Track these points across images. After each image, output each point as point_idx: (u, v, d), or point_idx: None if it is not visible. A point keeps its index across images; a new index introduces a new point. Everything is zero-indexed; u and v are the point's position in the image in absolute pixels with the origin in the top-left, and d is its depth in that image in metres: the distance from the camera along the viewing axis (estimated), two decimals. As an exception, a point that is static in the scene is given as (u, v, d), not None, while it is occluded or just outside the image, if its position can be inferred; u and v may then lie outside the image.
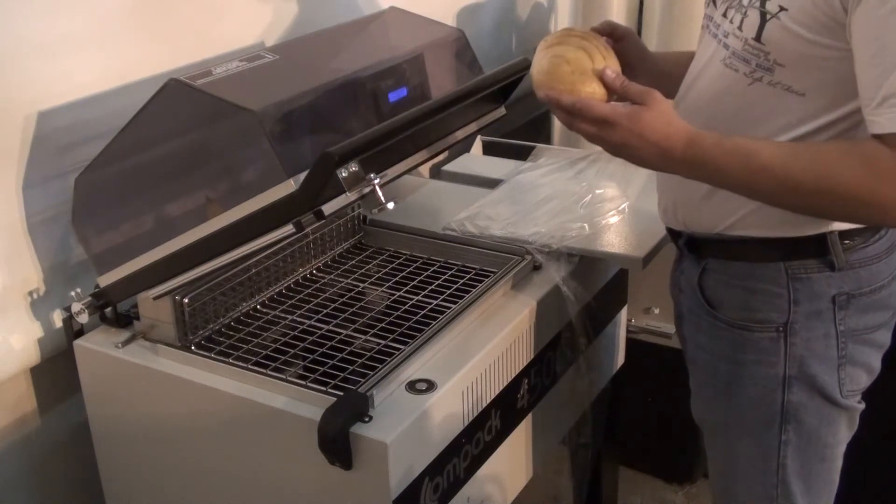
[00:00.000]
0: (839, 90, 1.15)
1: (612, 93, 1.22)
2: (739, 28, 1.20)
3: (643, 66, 1.41)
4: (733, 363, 1.32)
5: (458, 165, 2.18)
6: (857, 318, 1.27)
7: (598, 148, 1.79)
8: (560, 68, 1.23)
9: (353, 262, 1.74)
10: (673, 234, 1.43)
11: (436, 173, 2.25)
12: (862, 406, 1.36)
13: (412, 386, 1.34)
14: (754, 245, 1.26)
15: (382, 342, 1.46)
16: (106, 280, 1.44)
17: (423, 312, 1.53)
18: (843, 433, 1.35)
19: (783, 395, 1.29)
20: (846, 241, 1.23)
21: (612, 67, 1.24)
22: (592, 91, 1.22)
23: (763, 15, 1.16)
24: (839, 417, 1.33)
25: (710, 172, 1.16)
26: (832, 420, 1.32)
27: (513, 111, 1.75)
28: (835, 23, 1.11)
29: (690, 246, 1.37)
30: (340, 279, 1.68)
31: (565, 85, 1.22)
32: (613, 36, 1.37)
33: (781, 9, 1.14)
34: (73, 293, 1.46)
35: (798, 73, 1.17)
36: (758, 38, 1.17)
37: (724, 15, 1.25)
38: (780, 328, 1.27)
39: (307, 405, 1.30)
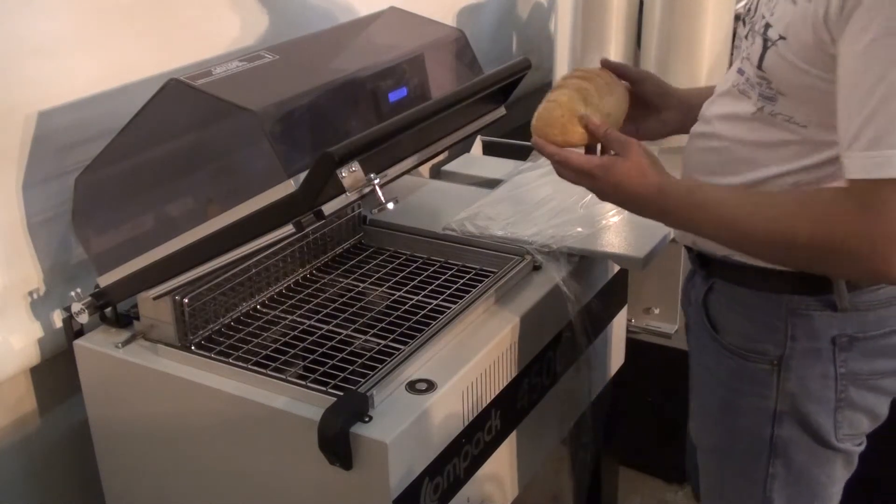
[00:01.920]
0: None
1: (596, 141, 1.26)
2: (750, 54, 1.17)
3: (668, 102, 1.40)
4: (730, 390, 1.29)
5: (458, 165, 2.18)
6: (863, 363, 1.21)
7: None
8: (552, 113, 1.26)
9: (353, 262, 1.74)
10: (687, 248, 1.39)
11: (436, 173, 2.25)
12: (861, 448, 1.29)
13: (412, 386, 1.34)
14: (757, 274, 1.21)
15: (382, 342, 1.46)
16: (106, 280, 1.44)
17: (423, 312, 1.53)
18: (838, 472, 1.30)
19: (772, 430, 1.25)
20: (851, 282, 1.17)
21: (594, 116, 1.24)
22: (582, 133, 1.25)
23: (765, 42, 1.13)
24: (833, 458, 1.27)
25: (680, 222, 1.22)
26: (825, 460, 1.27)
27: (513, 111, 1.74)
28: (827, 56, 1.06)
29: (700, 262, 1.33)
30: (340, 279, 1.68)
31: (557, 129, 1.25)
32: (629, 80, 1.36)
33: (780, 37, 1.11)
34: (73, 293, 1.46)
35: (798, 104, 1.13)
36: (759, 65, 1.14)
37: (746, 37, 1.20)
38: (775, 361, 1.23)
39: (307, 405, 1.30)
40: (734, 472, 1.33)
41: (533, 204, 1.81)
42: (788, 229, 1.08)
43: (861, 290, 1.18)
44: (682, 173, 1.36)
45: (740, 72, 1.20)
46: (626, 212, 1.74)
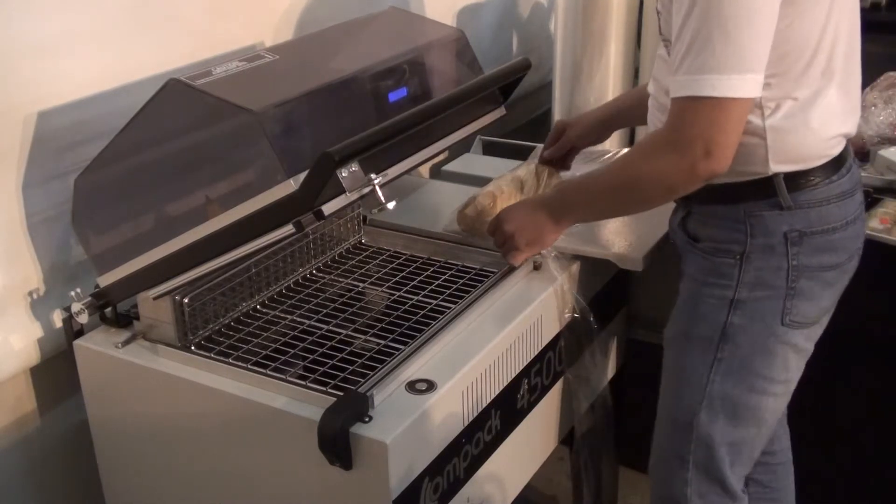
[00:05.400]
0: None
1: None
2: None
3: (592, 135, 1.73)
4: (699, 283, 1.47)
5: (458, 165, 2.18)
6: (811, 257, 1.40)
7: (600, 148, 1.88)
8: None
9: (353, 262, 1.74)
10: None
11: (436, 173, 2.25)
12: (808, 347, 1.47)
13: (412, 386, 1.34)
14: (721, 190, 1.39)
15: (382, 342, 1.46)
16: (106, 280, 1.44)
17: (423, 312, 1.53)
18: (777, 369, 1.45)
19: (727, 317, 1.43)
20: (791, 183, 1.37)
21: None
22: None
23: (658, 13, 1.39)
24: (775, 348, 1.44)
25: (580, 206, 1.46)
26: (767, 350, 1.44)
27: (513, 111, 1.74)
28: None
29: None
30: (340, 279, 1.68)
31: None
32: (566, 155, 1.74)
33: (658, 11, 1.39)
34: (73, 293, 1.46)
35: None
36: (661, 31, 1.40)
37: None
38: (739, 256, 1.41)
39: (307, 405, 1.30)
40: (690, 355, 1.49)
41: (533, 204, 1.80)
42: (627, 172, 1.36)
43: (799, 191, 1.37)
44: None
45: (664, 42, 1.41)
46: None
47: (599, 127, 1.73)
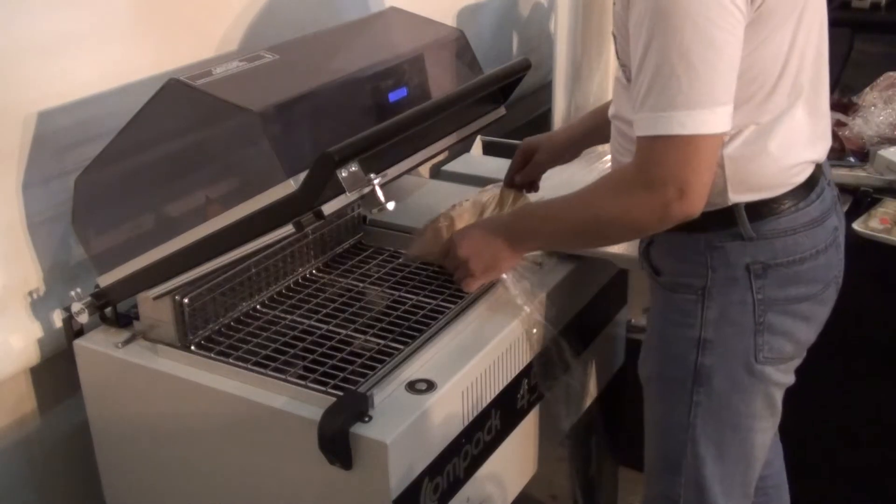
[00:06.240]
0: None
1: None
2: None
3: (563, 157, 1.69)
4: (664, 321, 1.42)
5: (458, 165, 2.18)
6: (778, 290, 1.33)
7: (599, 149, 1.86)
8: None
9: (353, 262, 1.74)
10: None
11: (436, 173, 2.25)
12: (788, 381, 1.42)
13: (412, 386, 1.34)
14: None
15: (382, 342, 1.45)
16: (106, 280, 1.44)
17: (423, 312, 1.53)
18: (757, 406, 1.39)
19: (697, 357, 1.37)
20: (753, 212, 1.31)
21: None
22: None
23: (614, 36, 1.33)
24: (753, 386, 1.38)
25: (540, 235, 1.42)
26: (744, 388, 1.38)
27: (513, 111, 1.74)
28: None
29: None
30: (340, 279, 1.68)
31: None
32: (532, 177, 1.69)
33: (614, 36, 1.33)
34: (73, 293, 1.46)
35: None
36: (618, 55, 1.33)
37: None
38: (700, 291, 1.35)
39: (307, 405, 1.30)
40: (666, 398, 1.44)
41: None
42: (594, 209, 1.29)
43: (762, 220, 1.30)
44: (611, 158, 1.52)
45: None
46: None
47: (570, 148, 1.68)
